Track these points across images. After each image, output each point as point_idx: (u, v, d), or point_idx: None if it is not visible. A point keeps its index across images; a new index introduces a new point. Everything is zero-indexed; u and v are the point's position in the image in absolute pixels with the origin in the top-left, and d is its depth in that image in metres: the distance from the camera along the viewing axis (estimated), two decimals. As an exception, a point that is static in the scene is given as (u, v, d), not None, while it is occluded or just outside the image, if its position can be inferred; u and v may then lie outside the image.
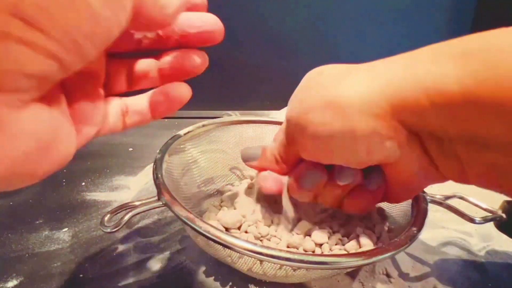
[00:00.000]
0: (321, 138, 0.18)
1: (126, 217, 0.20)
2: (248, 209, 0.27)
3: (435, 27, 0.63)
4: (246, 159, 0.25)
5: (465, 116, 0.15)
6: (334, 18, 0.63)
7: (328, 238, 0.24)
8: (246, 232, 0.25)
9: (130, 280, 0.26)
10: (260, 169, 0.24)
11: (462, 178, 0.17)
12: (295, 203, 0.26)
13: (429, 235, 0.32)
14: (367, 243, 0.23)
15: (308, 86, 0.20)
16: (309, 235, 0.25)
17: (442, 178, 0.19)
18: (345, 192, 0.22)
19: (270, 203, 0.29)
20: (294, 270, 0.21)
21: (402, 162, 0.18)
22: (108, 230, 0.20)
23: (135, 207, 0.21)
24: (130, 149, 0.51)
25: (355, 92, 0.17)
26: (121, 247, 0.29)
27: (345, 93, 0.17)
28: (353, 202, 0.22)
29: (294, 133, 0.20)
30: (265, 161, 0.24)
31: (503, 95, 0.13)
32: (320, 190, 0.22)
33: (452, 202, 0.26)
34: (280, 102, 0.65)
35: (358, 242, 0.23)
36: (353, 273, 0.26)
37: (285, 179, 0.24)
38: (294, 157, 0.22)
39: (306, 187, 0.22)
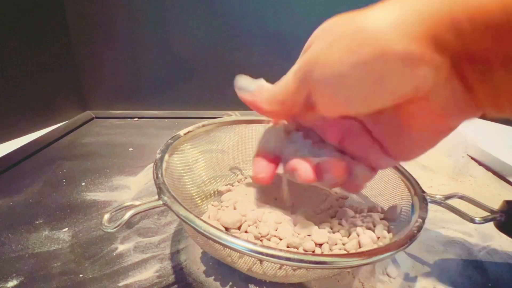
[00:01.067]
0: (346, 70, 0.17)
1: (126, 217, 0.20)
2: (248, 209, 0.27)
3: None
4: (239, 87, 0.23)
5: (505, 36, 0.14)
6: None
7: (328, 238, 0.24)
8: (246, 232, 0.25)
9: (130, 280, 0.26)
10: (251, 104, 0.23)
11: (496, 105, 0.16)
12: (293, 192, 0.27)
13: (429, 235, 0.32)
14: (367, 243, 0.23)
15: (329, 29, 0.18)
16: (309, 235, 0.25)
17: (475, 109, 0.17)
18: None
19: (271, 201, 0.29)
20: (294, 270, 0.21)
21: (435, 94, 0.17)
22: (108, 229, 0.20)
23: (135, 207, 0.21)
24: (130, 149, 0.51)
25: (387, 17, 0.16)
26: (121, 247, 0.29)
27: (377, 19, 0.16)
28: (343, 187, 0.23)
29: (311, 71, 0.18)
30: (259, 96, 0.22)
31: None
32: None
33: (452, 202, 0.26)
34: (280, 102, 0.65)
35: (358, 242, 0.23)
36: (353, 273, 0.26)
37: (280, 169, 0.24)
38: (298, 102, 0.21)
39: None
